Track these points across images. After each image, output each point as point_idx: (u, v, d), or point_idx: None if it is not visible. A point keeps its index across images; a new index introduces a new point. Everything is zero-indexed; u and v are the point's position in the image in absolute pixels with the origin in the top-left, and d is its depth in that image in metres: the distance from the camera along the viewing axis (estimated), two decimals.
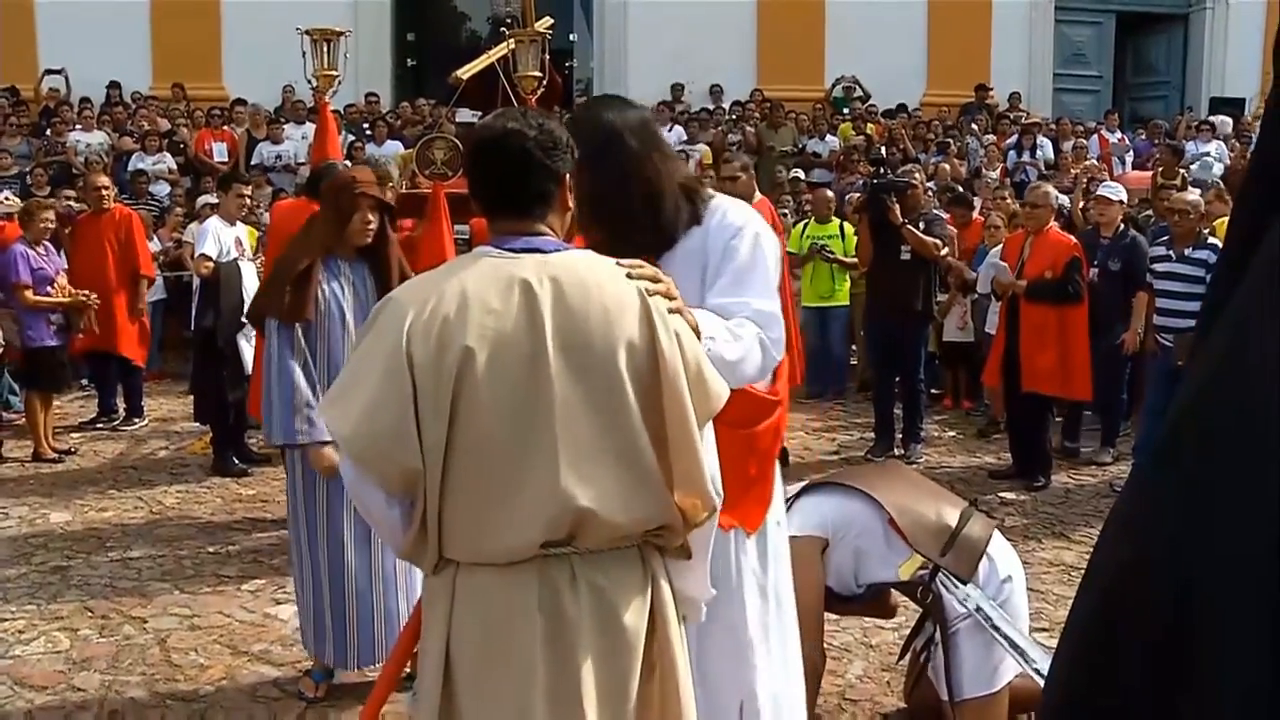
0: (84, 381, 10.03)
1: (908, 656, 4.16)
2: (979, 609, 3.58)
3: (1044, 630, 4.88)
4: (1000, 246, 8.52)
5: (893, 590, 3.99)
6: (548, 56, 7.42)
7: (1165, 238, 7.72)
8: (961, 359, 9.83)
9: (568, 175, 2.29)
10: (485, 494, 2.11)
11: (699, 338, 2.36)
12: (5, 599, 5.38)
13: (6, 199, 9.54)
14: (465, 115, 12.40)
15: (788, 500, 3.81)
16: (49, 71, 16.14)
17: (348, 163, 7.13)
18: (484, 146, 2.30)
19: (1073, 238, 7.59)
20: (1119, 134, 16.17)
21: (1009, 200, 10.54)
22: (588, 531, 2.13)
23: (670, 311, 2.24)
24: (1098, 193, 8.70)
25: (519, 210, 2.26)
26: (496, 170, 2.28)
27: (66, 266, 8.39)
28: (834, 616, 4.42)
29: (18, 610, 5.22)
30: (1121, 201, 8.42)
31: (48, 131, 14.67)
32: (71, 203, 10.44)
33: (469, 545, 2.15)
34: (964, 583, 3.62)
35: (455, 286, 2.15)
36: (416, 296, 2.17)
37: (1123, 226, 8.21)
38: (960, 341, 9.65)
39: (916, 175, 8.60)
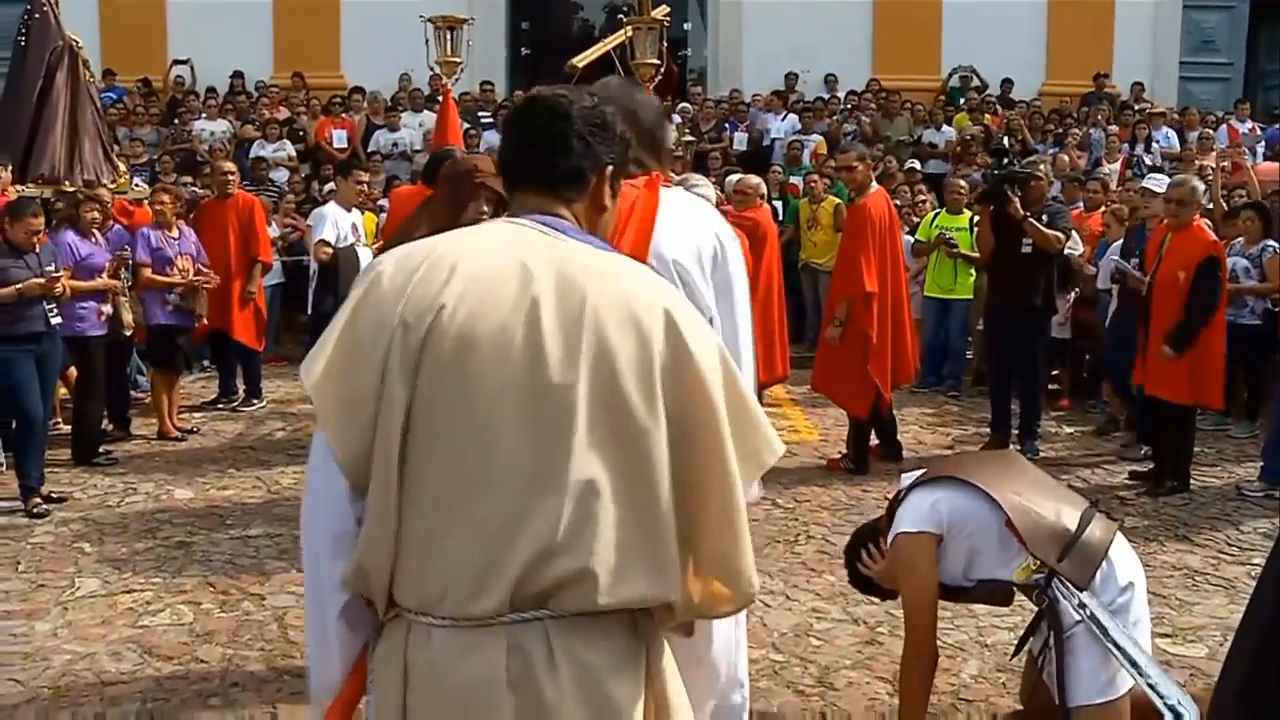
0: (204, 363, 10.34)
1: (1022, 655, 4.06)
2: (1093, 617, 3.47)
3: (1167, 636, 4.74)
4: (1119, 242, 8.31)
5: None
6: (665, 45, 7.39)
7: None
8: (1060, 355, 9.59)
9: (610, 168, 1.99)
10: (448, 516, 1.74)
11: None
12: (135, 571, 5.56)
13: (136, 185, 9.85)
14: None
15: (903, 490, 3.76)
16: (176, 62, 16.64)
17: (465, 150, 7.20)
18: (524, 105, 2.05)
19: (1213, 235, 7.25)
20: (1249, 124, 15.60)
21: (1133, 192, 10.26)
22: (567, 596, 1.73)
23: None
24: (1144, 185, 8.44)
25: (543, 184, 1.96)
26: (529, 133, 2.00)
27: (199, 249, 8.60)
28: (947, 614, 4.35)
29: (145, 582, 5.39)
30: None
31: (175, 121, 15.13)
32: (195, 188, 10.73)
33: (436, 587, 1.75)
34: (1080, 590, 3.51)
35: (460, 243, 1.89)
36: (412, 251, 1.89)
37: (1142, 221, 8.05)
38: (1060, 338, 9.39)
39: (1041, 167, 8.39)
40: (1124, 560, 3.66)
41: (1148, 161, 13.82)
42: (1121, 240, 8.49)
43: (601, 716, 1.76)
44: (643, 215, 2.78)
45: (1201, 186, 7.34)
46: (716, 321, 2.79)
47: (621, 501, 1.73)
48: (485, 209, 4.20)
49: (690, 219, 2.83)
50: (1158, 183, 8.44)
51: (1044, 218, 7.78)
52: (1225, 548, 6.07)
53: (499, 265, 1.81)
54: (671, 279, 2.71)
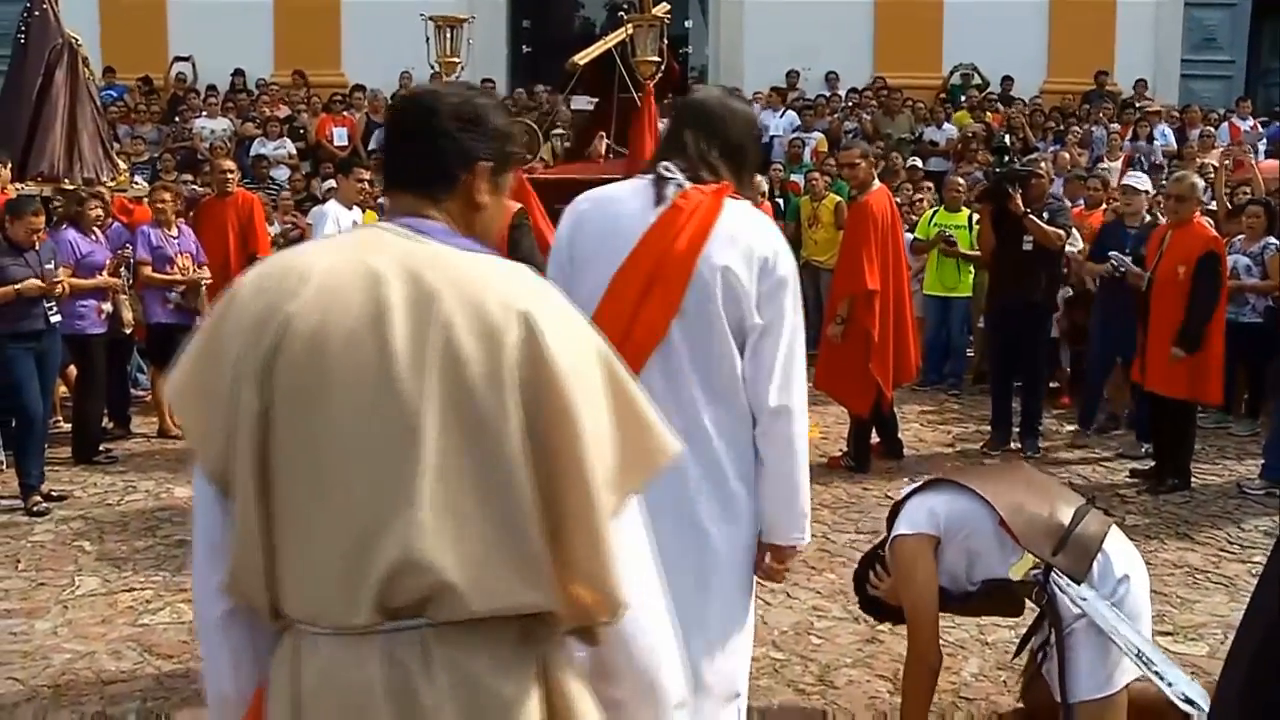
0: None
1: (1024, 655, 4.07)
2: (1095, 610, 3.49)
3: (1167, 634, 4.74)
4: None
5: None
6: (666, 42, 7.38)
7: None
8: (1058, 353, 9.60)
9: (484, 164, 1.88)
10: (309, 529, 1.70)
11: None
12: (135, 569, 5.56)
13: (136, 183, 9.85)
14: (581, 102, 12.50)
15: (904, 497, 3.77)
16: (178, 59, 16.65)
17: None
18: (395, 105, 1.99)
19: (1212, 230, 7.25)
20: (1250, 121, 15.59)
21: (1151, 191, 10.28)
22: (441, 606, 1.68)
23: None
24: (1124, 182, 8.43)
25: (411, 185, 1.88)
26: (396, 133, 1.94)
27: (199, 248, 8.60)
28: (963, 615, 4.36)
29: (145, 580, 5.39)
30: (1147, 192, 8.31)
31: (176, 119, 15.14)
32: (195, 186, 10.73)
33: (308, 599, 1.72)
34: (1078, 582, 3.53)
35: (317, 251, 1.83)
36: (274, 261, 1.84)
37: (1148, 217, 8.06)
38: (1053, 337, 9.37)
39: (1042, 165, 8.39)
40: (1120, 553, 3.67)
41: (1149, 159, 13.80)
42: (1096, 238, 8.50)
43: (482, 715, 1.70)
44: (700, 222, 2.77)
45: (1201, 183, 7.34)
46: (757, 331, 2.77)
47: (478, 512, 1.67)
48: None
49: (747, 230, 2.80)
50: (1138, 179, 8.49)
51: (1045, 215, 7.77)
52: (1226, 545, 6.07)
53: (350, 273, 1.73)
54: (717, 287, 2.73)
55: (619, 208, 2.89)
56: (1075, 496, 3.80)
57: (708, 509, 2.82)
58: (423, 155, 1.88)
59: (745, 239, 2.78)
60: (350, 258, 1.76)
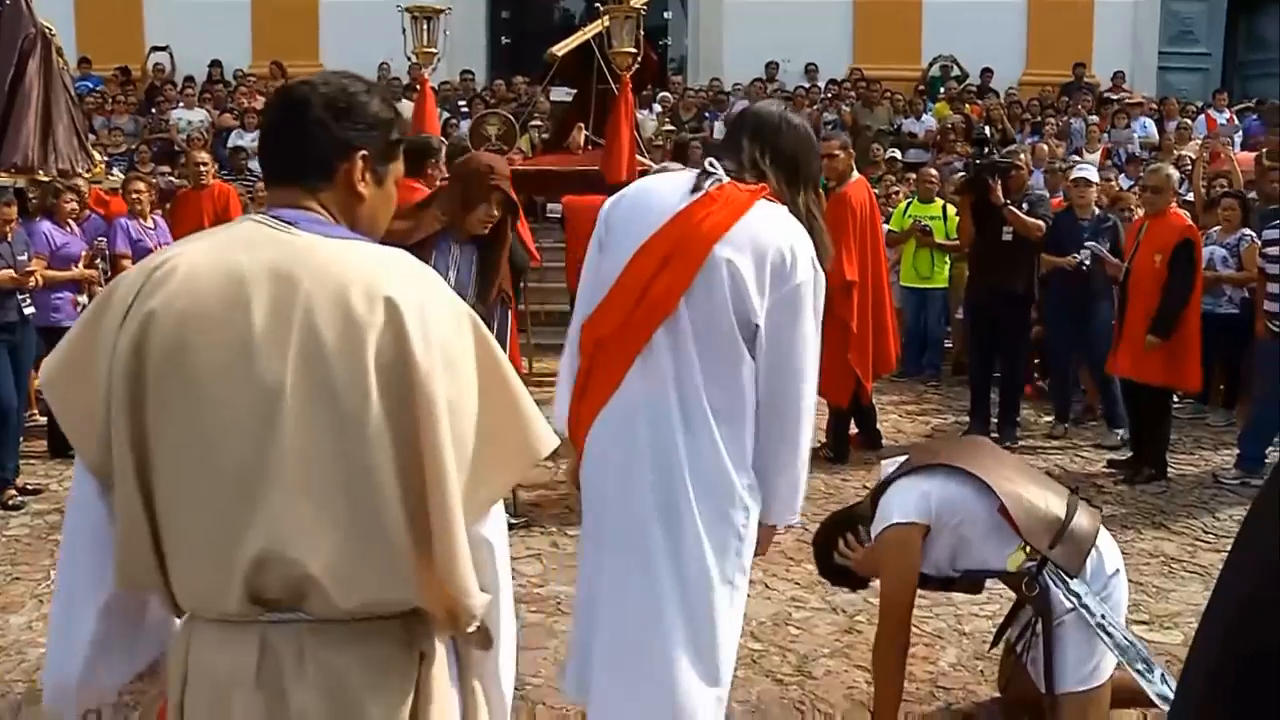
0: None
1: (1001, 645, 4.07)
2: (1085, 605, 3.49)
3: (1144, 623, 4.77)
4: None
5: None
6: (643, 33, 7.37)
7: (1278, 221, 7.46)
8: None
9: (361, 152, 1.86)
10: (184, 519, 1.71)
11: None
12: None
13: (112, 175, 9.78)
14: (560, 93, 12.49)
15: (888, 477, 3.75)
16: (155, 49, 16.53)
17: (442, 139, 7.17)
18: (272, 97, 1.96)
19: (1188, 220, 7.31)
20: (1227, 114, 15.67)
21: (1113, 181, 10.33)
22: (312, 600, 1.69)
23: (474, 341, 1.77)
24: (1077, 174, 8.49)
25: (286, 176, 1.86)
26: (270, 125, 1.94)
27: (173, 240, 8.56)
28: (925, 602, 4.35)
29: None
30: (1097, 184, 8.41)
31: (153, 110, 15.04)
32: (172, 178, 10.66)
33: (188, 585, 1.74)
34: (1071, 577, 3.52)
35: (191, 246, 1.81)
36: (156, 254, 1.84)
37: (1098, 210, 8.19)
38: None
39: (1022, 156, 8.41)
40: (1109, 549, 3.68)
41: (1123, 152, 13.86)
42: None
43: None
44: (727, 213, 2.85)
45: (1176, 174, 7.39)
46: (763, 330, 2.82)
47: (341, 503, 1.66)
48: (495, 212, 4.07)
49: (770, 230, 2.85)
50: (1088, 171, 8.59)
51: (1025, 206, 7.80)
52: (1202, 535, 6.10)
53: (215, 265, 1.73)
54: (724, 276, 2.80)
55: (656, 193, 2.99)
56: (1061, 487, 3.79)
57: (695, 490, 2.85)
58: (297, 146, 1.85)
59: (765, 239, 2.83)
60: (216, 250, 1.76)
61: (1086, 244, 7.92)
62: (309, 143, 1.84)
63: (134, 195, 8.33)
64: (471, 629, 1.78)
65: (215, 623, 1.72)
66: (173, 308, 1.69)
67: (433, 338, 1.69)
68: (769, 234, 2.85)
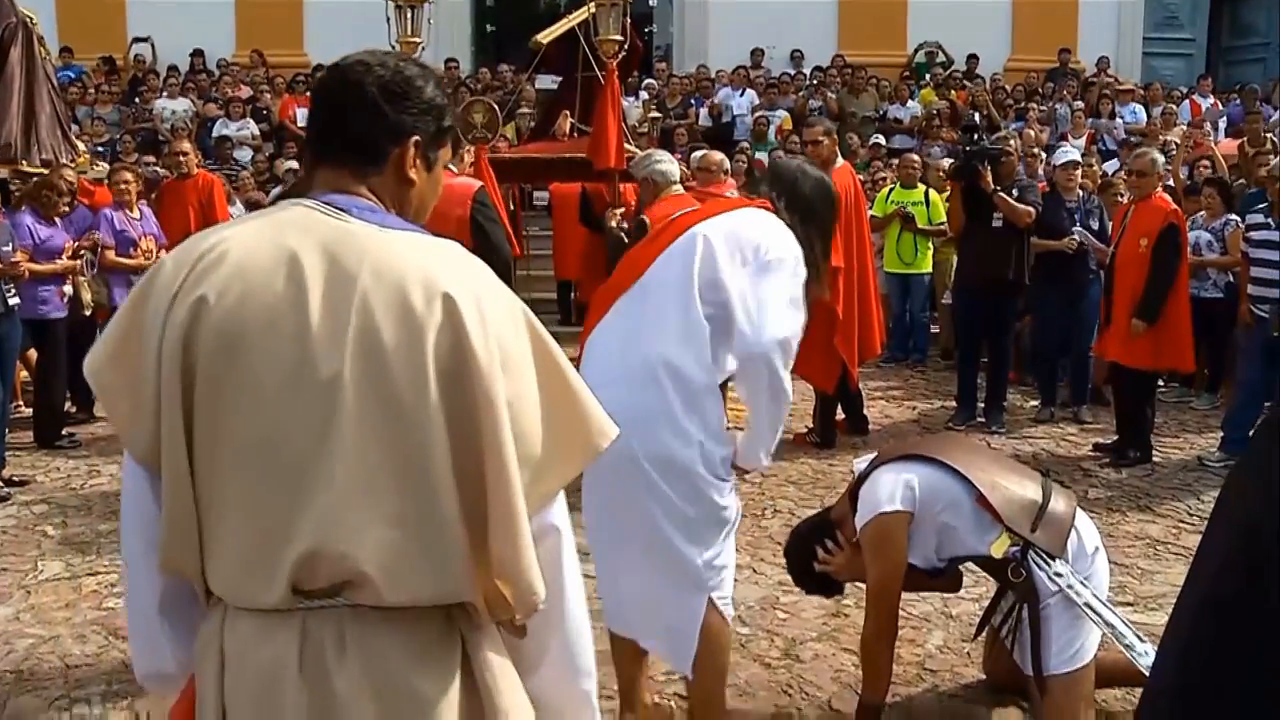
0: None
1: (985, 631, 4.10)
2: (1070, 586, 3.52)
3: (1129, 605, 4.80)
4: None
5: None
6: (629, 20, 7.36)
7: (1262, 205, 7.50)
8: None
9: (414, 138, 1.82)
10: (231, 511, 1.68)
11: None
12: (99, 553, 5.52)
13: (97, 165, 9.74)
14: (545, 81, 12.46)
15: (863, 472, 3.77)
16: (136, 39, 16.45)
17: None
18: (322, 76, 1.89)
19: (1173, 204, 7.35)
20: (1211, 99, 15.73)
21: (1095, 167, 10.36)
22: (357, 592, 1.67)
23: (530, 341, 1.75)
24: (1063, 158, 8.54)
25: (337, 160, 1.81)
26: (323, 105, 1.86)
27: (160, 230, 8.51)
28: (908, 591, 4.38)
29: (109, 564, 5.35)
30: (1083, 165, 8.61)
31: (136, 100, 14.97)
32: (157, 168, 10.63)
33: (226, 577, 1.71)
34: (1054, 559, 3.55)
35: (239, 230, 1.76)
36: (198, 239, 1.77)
37: (1083, 192, 8.33)
38: None
39: (1012, 143, 8.44)
40: (1087, 529, 3.72)
41: (1109, 139, 13.91)
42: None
43: (397, 712, 1.68)
44: (719, 206, 3.36)
45: (1161, 159, 7.43)
46: (736, 300, 3.15)
47: (396, 500, 1.64)
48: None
49: (753, 224, 3.29)
50: (1073, 153, 8.67)
51: (1014, 192, 7.83)
52: (1186, 518, 6.14)
53: (269, 253, 1.68)
54: (697, 248, 3.21)
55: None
56: (1033, 472, 3.83)
57: (637, 431, 3.08)
58: (349, 129, 1.80)
59: (746, 227, 3.24)
60: (269, 237, 1.71)
61: (1074, 230, 7.98)
62: (363, 126, 1.79)
63: (122, 186, 8.29)
64: (522, 621, 1.76)
65: (252, 613, 1.69)
66: (225, 297, 1.65)
67: (491, 334, 1.66)
68: (751, 225, 3.25)
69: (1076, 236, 7.96)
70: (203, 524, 1.70)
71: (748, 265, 3.21)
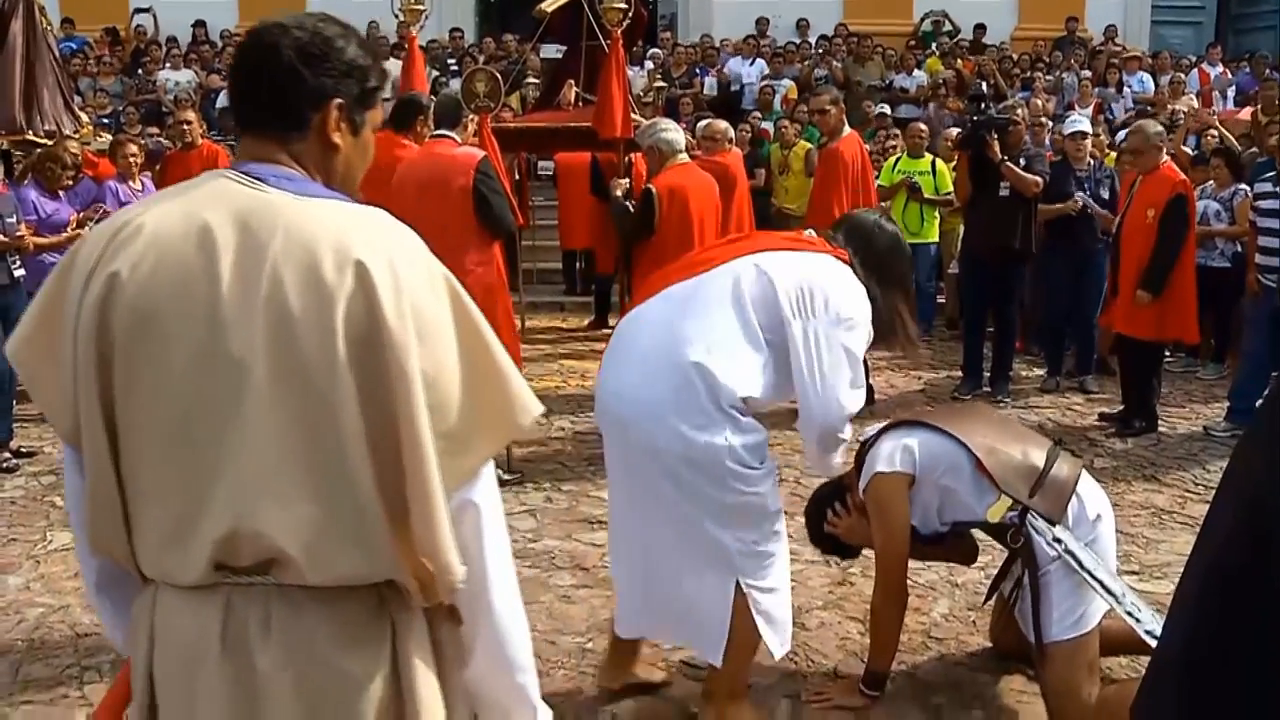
0: None
1: (994, 598, 4.11)
2: (1069, 551, 3.52)
3: (1134, 573, 4.81)
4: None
5: (974, 533, 3.95)
6: None
7: (1270, 174, 7.46)
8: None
9: (337, 100, 1.75)
10: (151, 490, 1.64)
11: None
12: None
13: (100, 137, 9.71)
14: (550, 50, 12.39)
15: (869, 439, 3.78)
16: (138, 10, 16.36)
17: (432, 96, 7.13)
18: (240, 43, 1.82)
19: (1181, 174, 7.31)
20: (1220, 68, 15.61)
21: (1102, 136, 10.31)
22: (281, 570, 1.63)
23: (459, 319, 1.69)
24: (1072, 128, 8.47)
25: (257, 126, 1.75)
26: (241, 71, 1.77)
27: None
28: (921, 560, 4.39)
29: None
30: (1091, 135, 8.52)
31: (139, 71, 14.91)
32: (160, 139, 10.59)
33: (150, 556, 1.67)
34: (1053, 524, 3.55)
35: (156, 205, 1.70)
36: (120, 213, 1.73)
37: (1093, 161, 8.28)
38: None
39: (1019, 112, 8.39)
40: (1092, 495, 3.70)
41: (1118, 107, 13.82)
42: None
43: (318, 694, 1.64)
44: (802, 244, 3.41)
45: (1155, 129, 7.37)
46: (802, 353, 3.18)
47: (312, 476, 1.59)
48: None
49: (821, 271, 3.29)
50: (1082, 123, 8.62)
51: (1021, 162, 7.80)
52: (1191, 487, 6.14)
53: (182, 225, 1.63)
54: (753, 278, 3.23)
55: None
56: (1043, 439, 3.82)
57: (678, 421, 3.14)
58: (268, 95, 1.73)
59: (811, 275, 3.24)
60: (184, 210, 1.66)
61: (1076, 195, 7.95)
62: (281, 91, 1.72)
63: (125, 159, 8.27)
64: (446, 601, 1.73)
65: (178, 589, 1.67)
66: (138, 271, 1.61)
67: (406, 303, 1.60)
68: (828, 275, 3.27)
69: (1079, 198, 7.93)
70: (128, 504, 1.66)
71: (817, 316, 3.19)
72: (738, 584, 3.29)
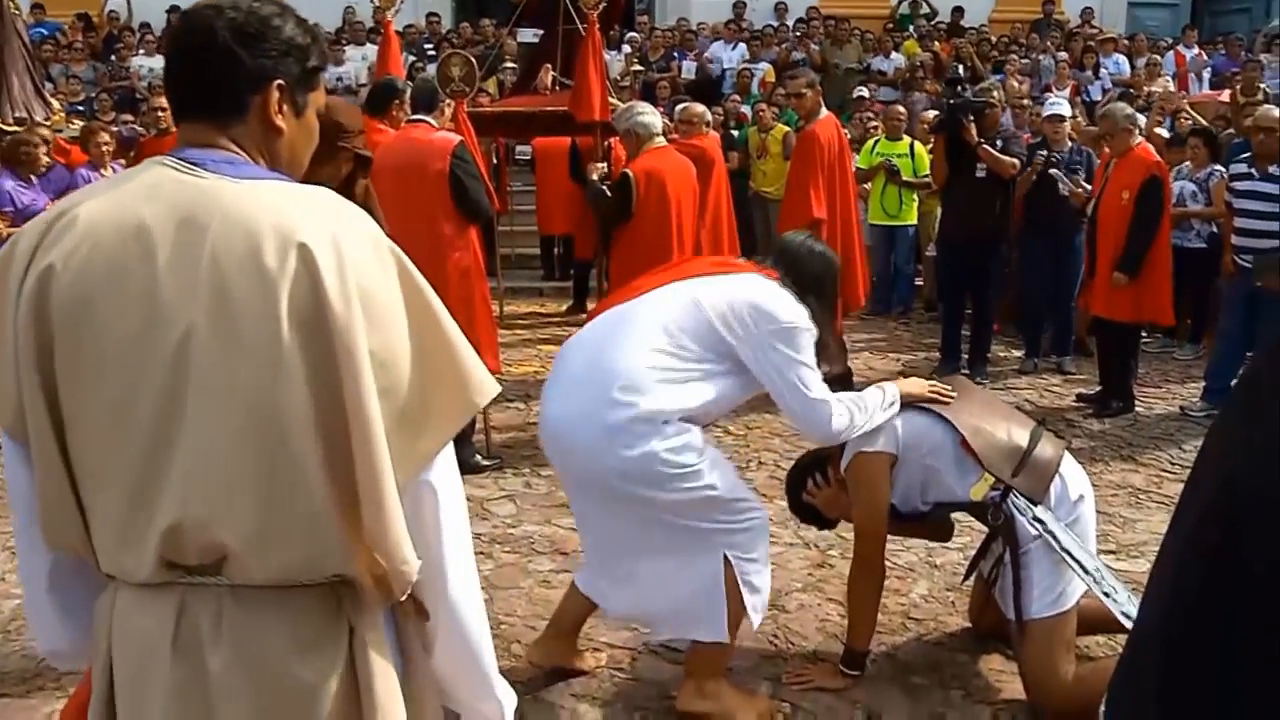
0: None
1: (973, 577, 4.12)
2: (1049, 531, 3.53)
3: (1111, 553, 4.83)
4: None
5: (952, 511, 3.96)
6: None
7: (1245, 155, 7.48)
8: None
9: (277, 82, 1.70)
10: (96, 486, 1.61)
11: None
12: None
13: (72, 123, 9.63)
14: (526, 35, 12.33)
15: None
16: None
17: (409, 81, 7.07)
18: (173, 26, 1.80)
19: (1155, 155, 7.33)
20: (1196, 50, 15.66)
21: (1079, 119, 10.33)
22: (230, 568, 1.59)
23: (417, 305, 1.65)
24: (1050, 111, 8.49)
25: (192, 111, 1.69)
26: (176, 54, 1.71)
27: None
28: (897, 535, 4.40)
29: None
30: (1070, 118, 8.49)
31: (112, 57, 14.78)
32: (135, 126, 10.51)
33: (105, 551, 1.64)
34: (1035, 504, 3.57)
35: (92, 196, 1.66)
36: (57, 206, 1.69)
37: (1070, 143, 8.25)
38: None
39: (995, 94, 8.39)
40: (1074, 476, 3.72)
41: (1095, 89, 13.85)
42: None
43: (271, 696, 1.61)
44: (723, 268, 3.56)
45: (1124, 111, 7.39)
46: (764, 374, 3.37)
47: (257, 470, 1.55)
48: (342, 171, 3.80)
49: (738, 287, 3.41)
50: (1061, 106, 8.62)
51: (998, 144, 7.80)
52: (1168, 467, 6.17)
53: (117, 215, 1.59)
54: (688, 307, 3.34)
55: None
56: (1027, 419, 3.83)
57: (609, 443, 3.23)
58: (204, 78, 1.68)
59: (737, 294, 3.37)
60: (118, 200, 1.62)
61: (1051, 169, 7.93)
62: (217, 74, 1.66)
63: (101, 146, 8.19)
64: (403, 598, 1.69)
65: (136, 586, 1.64)
66: (72, 261, 1.57)
67: (352, 284, 1.55)
68: (742, 290, 3.39)
69: (1047, 164, 7.93)
70: (82, 497, 1.64)
71: (758, 331, 3.32)
72: (725, 558, 3.40)
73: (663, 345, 3.30)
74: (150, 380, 1.55)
